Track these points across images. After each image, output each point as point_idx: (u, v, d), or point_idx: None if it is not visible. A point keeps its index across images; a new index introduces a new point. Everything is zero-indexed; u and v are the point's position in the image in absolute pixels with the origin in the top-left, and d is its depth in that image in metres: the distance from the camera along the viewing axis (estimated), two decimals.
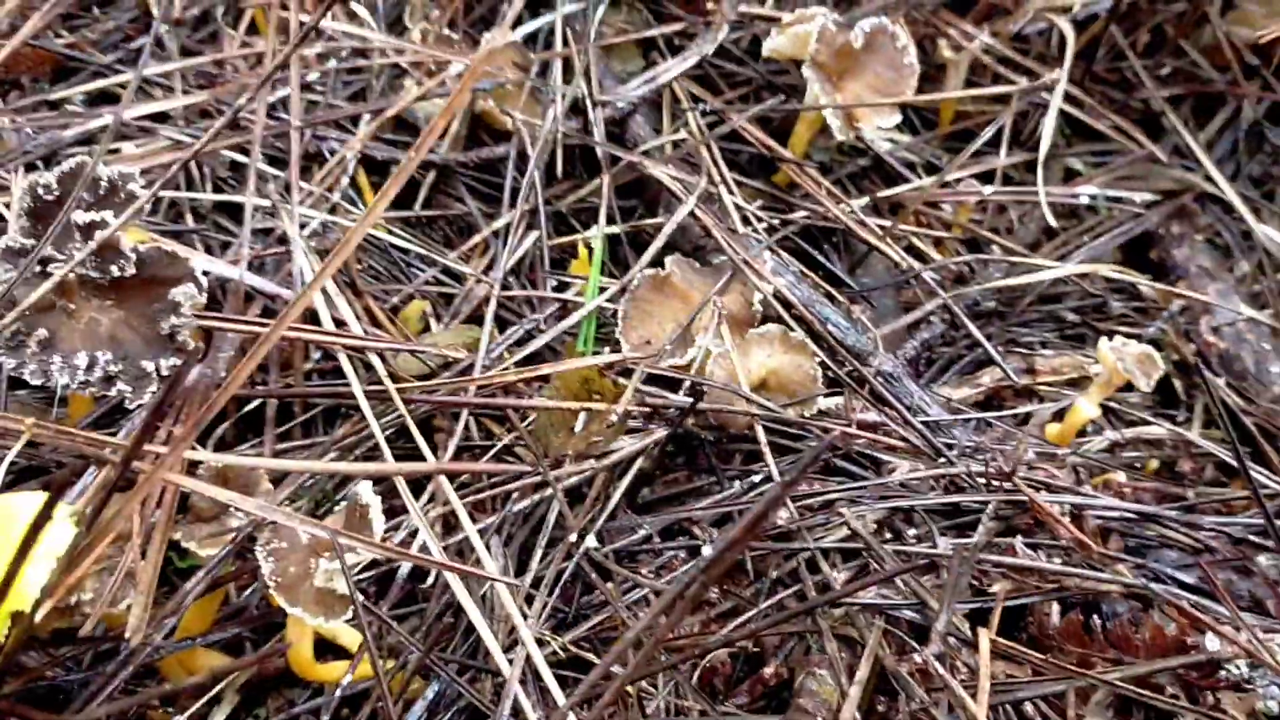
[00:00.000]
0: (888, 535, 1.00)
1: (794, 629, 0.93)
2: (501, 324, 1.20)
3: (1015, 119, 1.45)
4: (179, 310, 0.90)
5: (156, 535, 0.81)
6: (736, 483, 1.08)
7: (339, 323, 1.10)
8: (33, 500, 0.77)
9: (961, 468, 1.03)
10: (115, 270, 0.89)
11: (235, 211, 1.21)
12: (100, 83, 1.30)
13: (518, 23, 1.41)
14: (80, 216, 0.89)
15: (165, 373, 0.90)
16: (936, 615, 0.88)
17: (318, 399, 1.10)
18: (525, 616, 0.96)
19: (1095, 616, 0.95)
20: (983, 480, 1.02)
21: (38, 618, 0.75)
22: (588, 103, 1.30)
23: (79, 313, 0.91)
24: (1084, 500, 1.04)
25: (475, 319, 1.22)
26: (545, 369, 1.06)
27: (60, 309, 0.91)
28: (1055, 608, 0.95)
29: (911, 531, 0.99)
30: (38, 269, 0.90)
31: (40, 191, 0.91)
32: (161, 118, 1.26)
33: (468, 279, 1.24)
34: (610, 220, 1.30)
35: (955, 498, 1.02)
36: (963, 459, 1.04)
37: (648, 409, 1.08)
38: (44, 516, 0.63)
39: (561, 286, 1.28)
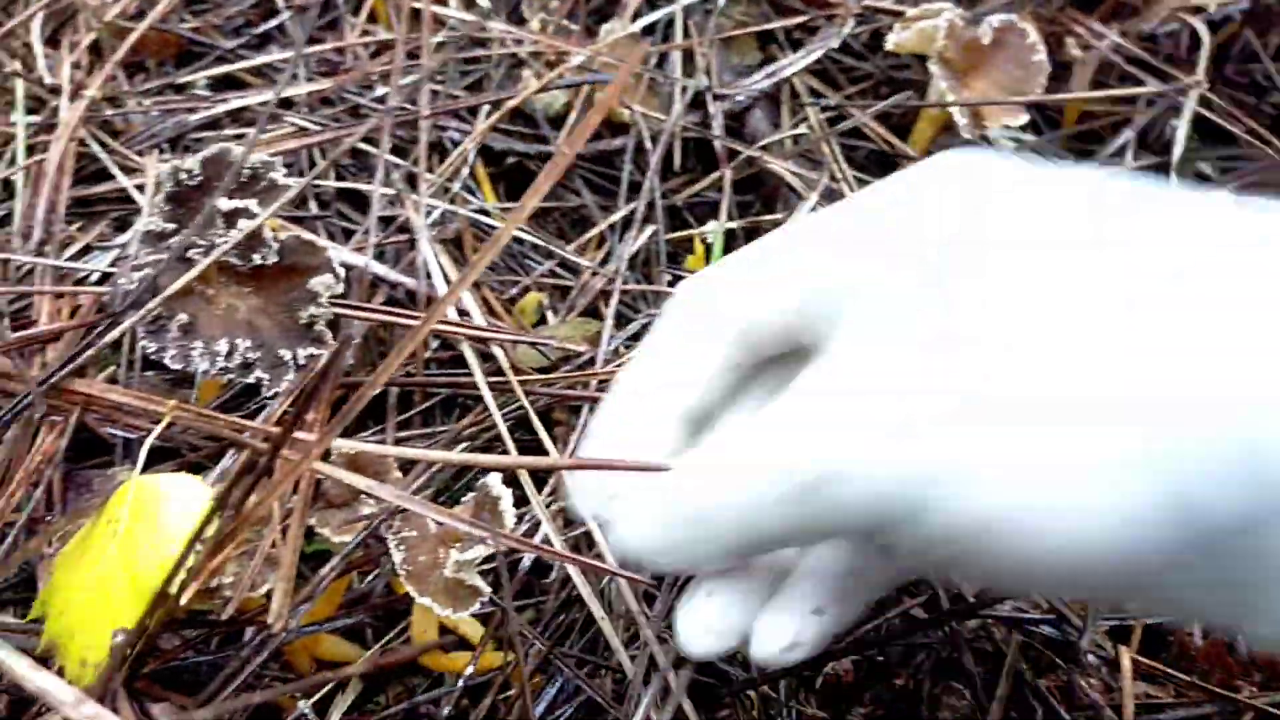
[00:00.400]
0: None
1: (925, 640, 0.90)
2: (618, 318, 1.19)
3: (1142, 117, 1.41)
4: (317, 300, 0.90)
5: (295, 520, 0.81)
6: None
7: (461, 313, 1.10)
8: (179, 482, 0.78)
9: None
10: (258, 259, 0.90)
11: (356, 199, 1.22)
12: (224, 68, 1.31)
13: (636, 15, 1.40)
14: (225, 203, 0.89)
15: (302, 361, 0.90)
16: (1078, 632, 0.86)
17: (438, 389, 1.10)
18: (647, 616, 0.95)
19: (1240, 638, 0.92)
20: None
21: (182, 601, 0.75)
22: (707, 96, 1.28)
23: (216, 298, 0.92)
24: None
25: (591, 312, 1.21)
26: None
27: (199, 294, 0.91)
28: (1198, 628, 0.92)
29: None
30: (181, 253, 0.91)
31: (183, 176, 0.91)
32: (285, 104, 1.26)
33: (583, 272, 1.23)
34: (728, 216, 1.29)
35: None
36: None
37: None
38: (212, 508, 0.63)
39: (676, 281, 1.27)
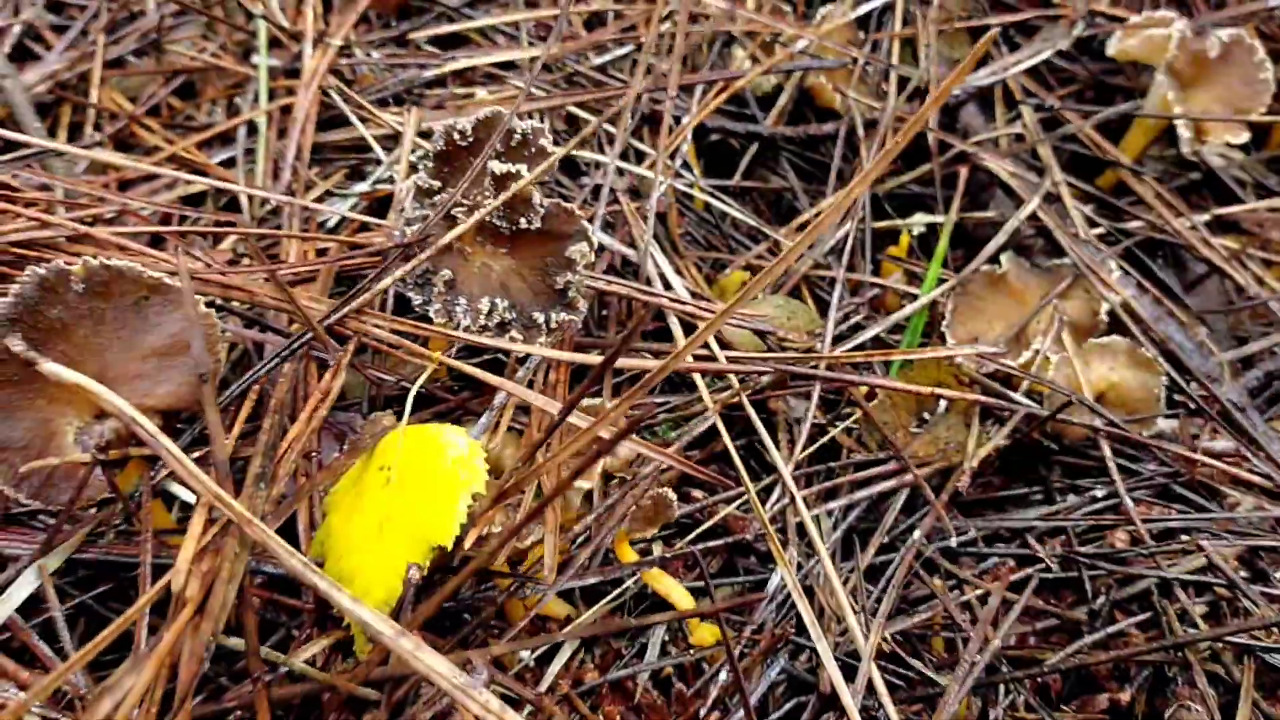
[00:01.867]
0: (1246, 573, 0.97)
1: (1151, 658, 0.91)
2: (819, 303, 1.20)
3: None
4: (574, 267, 0.92)
5: (558, 475, 0.84)
6: (1071, 496, 1.06)
7: (666, 285, 1.11)
8: (453, 434, 0.80)
9: None
10: (524, 223, 0.92)
11: (572, 167, 1.23)
12: (447, 26, 1.33)
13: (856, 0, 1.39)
14: (497, 166, 0.91)
15: (554, 325, 0.92)
16: None
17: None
18: (855, 610, 0.96)
19: None
20: None
21: (465, 547, 0.78)
22: (930, 87, 1.27)
23: (473, 257, 0.94)
24: None
25: (794, 294, 1.22)
26: (896, 355, 1.05)
27: (458, 251, 0.94)
28: None
29: (1278, 573, 0.96)
30: (448, 209, 0.93)
31: (455, 136, 0.93)
32: (508, 65, 1.28)
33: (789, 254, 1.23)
34: (931, 211, 1.28)
35: None
36: None
37: (987, 407, 1.07)
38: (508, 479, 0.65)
39: (878, 269, 1.28)
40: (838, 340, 1.16)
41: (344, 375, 0.87)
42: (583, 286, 0.94)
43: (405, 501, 0.76)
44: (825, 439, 1.08)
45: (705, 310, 1.06)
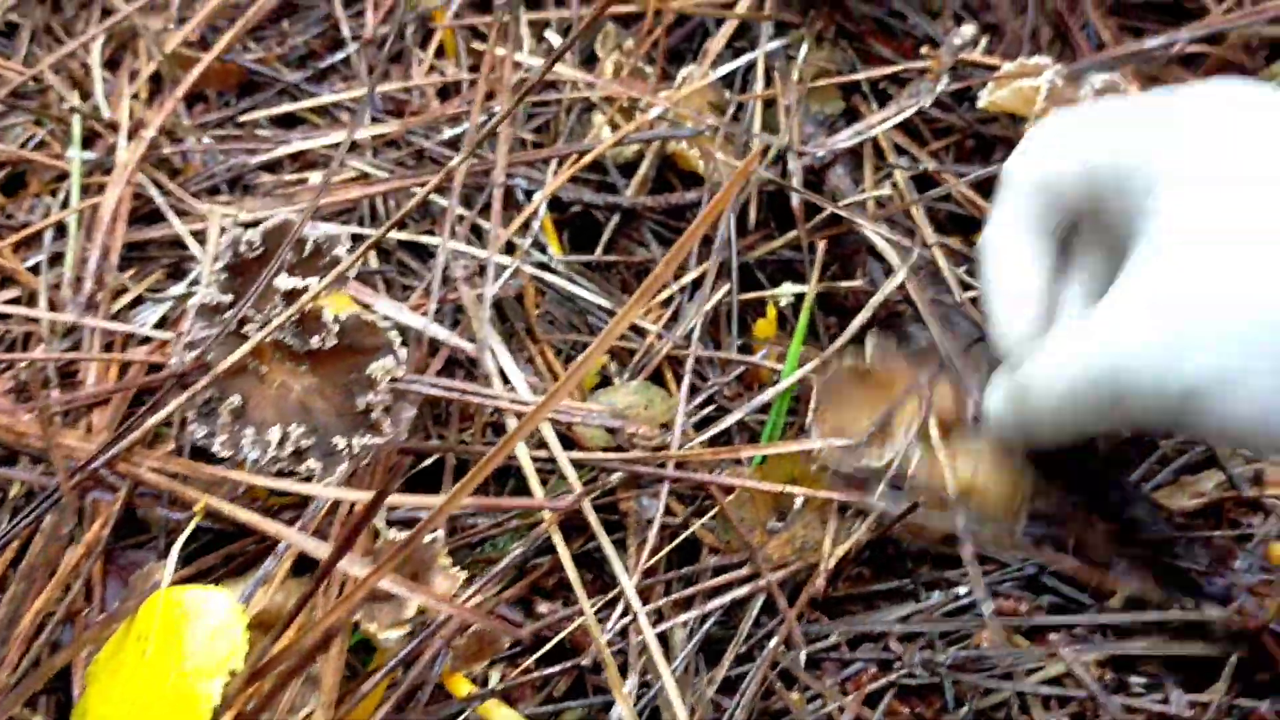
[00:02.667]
0: (1108, 678, 0.91)
1: None
2: (681, 383, 1.14)
3: None
4: (375, 387, 0.86)
5: (340, 638, 0.77)
6: (936, 593, 1.00)
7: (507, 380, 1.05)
8: (207, 599, 0.73)
9: (1199, 613, 0.93)
10: (315, 342, 0.85)
11: (419, 249, 1.17)
12: (287, 105, 1.26)
13: (716, 60, 1.33)
14: (284, 282, 0.85)
15: (356, 451, 0.85)
16: None
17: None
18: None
19: None
20: (1223, 627, 0.92)
21: None
22: (788, 154, 1.21)
23: (271, 375, 0.88)
24: None
25: (656, 377, 1.16)
26: (746, 450, 0.98)
27: (252, 371, 0.87)
28: None
29: (1137, 680, 0.90)
30: (234, 328, 0.86)
31: (243, 248, 0.87)
32: (350, 147, 1.22)
33: (648, 333, 1.17)
34: (802, 278, 1.22)
35: (1187, 647, 0.92)
36: (1202, 600, 0.94)
37: (844, 505, 1.01)
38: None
39: (745, 348, 1.21)
40: (700, 426, 1.10)
41: (110, 526, 0.80)
42: (388, 406, 0.88)
43: (158, 680, 0.69)
44: (681, 539, 1.02)
45: (560, 414, 1.00)
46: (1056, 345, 0.82)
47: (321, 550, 0.74)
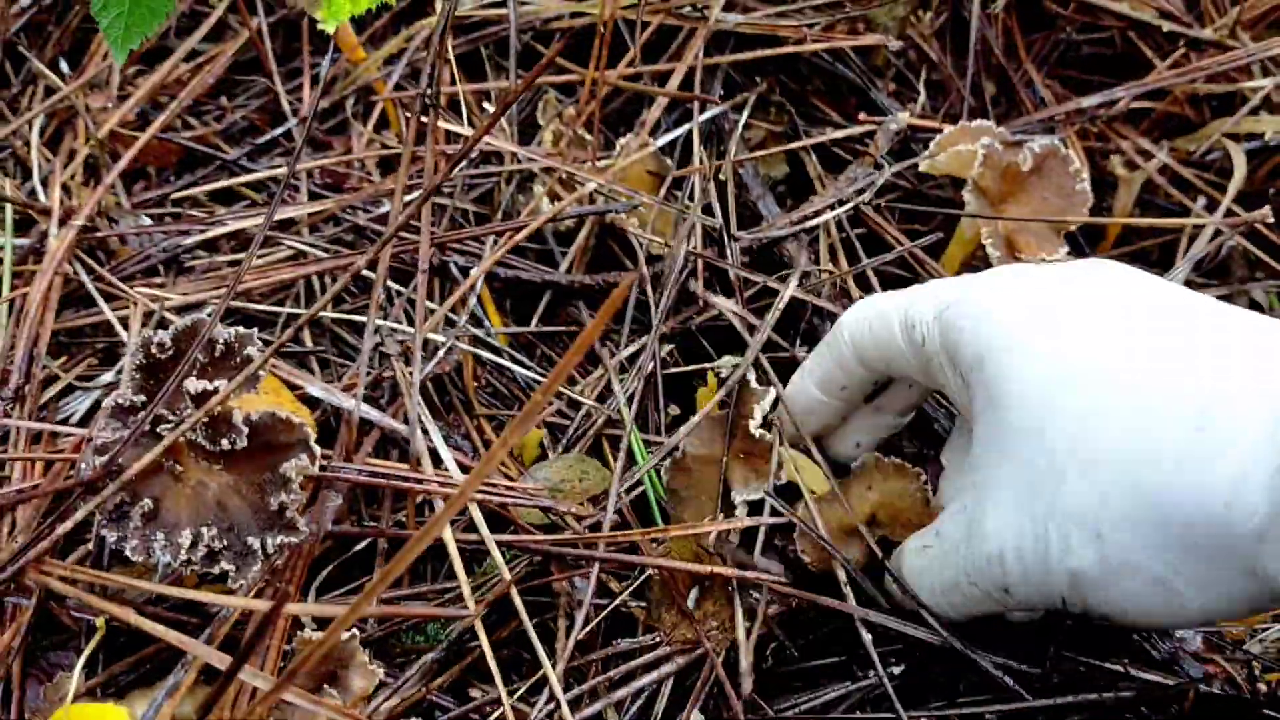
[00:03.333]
0: None
1: None
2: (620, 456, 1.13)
3: (1189, 242, 1.33)
4: (289, 486, 0.85)
5: None
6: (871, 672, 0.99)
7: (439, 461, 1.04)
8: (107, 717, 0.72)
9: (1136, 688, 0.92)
10: (225, 444, 0.85)
11: (355, 327, 1.16)
12: (226, 181, 1.26)
13: (656, 128, 1.33)
14: (192, 385, 0.84)
15: (271, 551, 0.85)
16: None
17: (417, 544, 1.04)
18: None
19: None
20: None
21: None
22: (725, 238, 1.21)
23: (186, 475, 0.87)
24: None
25: (594, 448, 1.15)
26: (655, 532, 0.98)
27: (168, 471, 0.86)
28: None
29: None
30: (147, 429, 0.86)
31: (154, 349, 0.86)
32: (285, 224, 1.21)
33: (583, 406, 1.16)
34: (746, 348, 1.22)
35: None
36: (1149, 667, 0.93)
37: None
38: None
39: (677, 421, 1.20)
40: (638, 500, 1.09)
41: (21, 634, 0.79)
42: (301, 503, 0.87)
43: None
44: (608, 615, 1.01)
45: (487, 489, 0.99)
46: (929, 547, 0.89)
47: (224, 661, 0.73)
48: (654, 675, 0.96)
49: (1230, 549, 0.67)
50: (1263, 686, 1.00)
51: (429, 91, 1.05)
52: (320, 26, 0.85)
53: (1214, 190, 1.31)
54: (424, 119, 1.11)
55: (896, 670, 0.97)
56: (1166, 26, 1.34)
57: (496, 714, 0.92)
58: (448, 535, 0.97)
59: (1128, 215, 1.37)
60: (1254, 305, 1.37)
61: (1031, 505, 0.76)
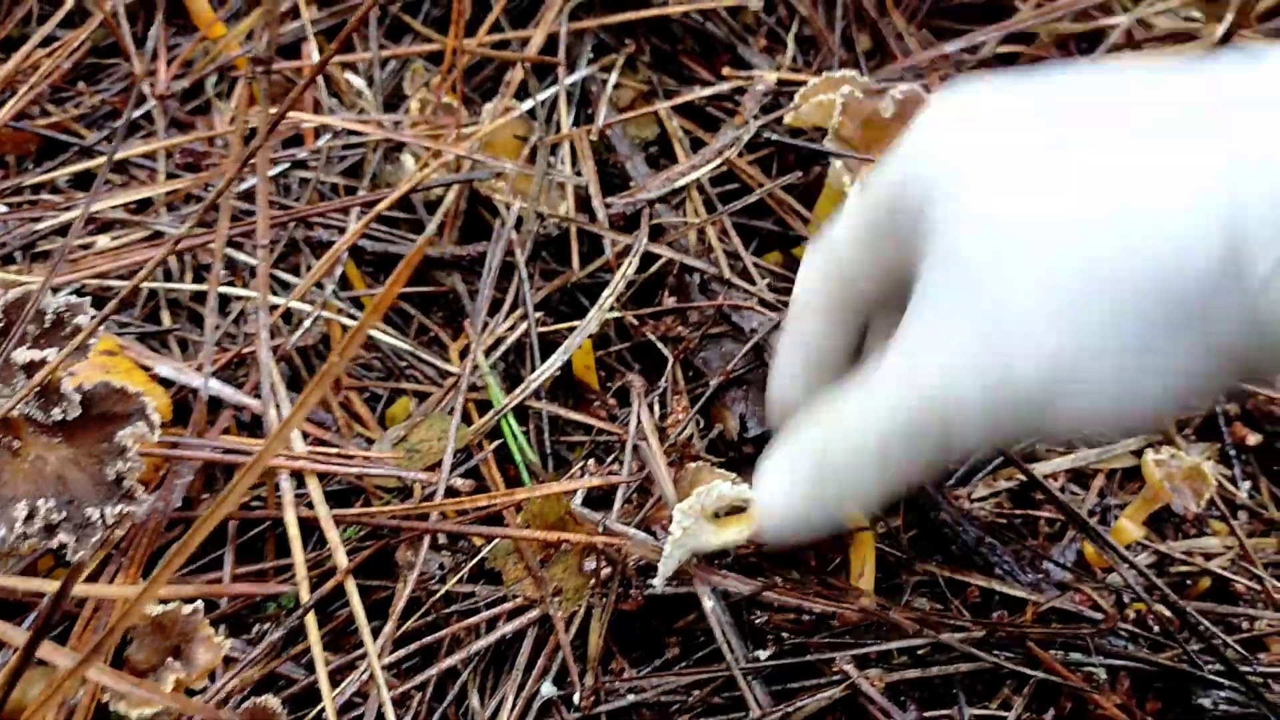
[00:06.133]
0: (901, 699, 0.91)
1: None
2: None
3: None
4: (125, 454, 0.84)
5: None
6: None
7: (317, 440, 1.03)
8: None
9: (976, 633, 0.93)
10: (57, 414, 0.83)
11: (222, 303, 1.15)
12: (86, 163, 1.24)
13: (524, 91, 1.33)
14: (20, 355, 0.83)
15: (110, 521, 0.84)
16: None
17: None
18: None
19: None
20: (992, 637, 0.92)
21: None
22: (593, 201, 1.21)
23: (25, 449, 0.85)
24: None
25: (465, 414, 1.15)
26: (517, 496, 0.97)
27: (5, 446, 0.85)
28: None
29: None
30: None
31: None
32: (145, 205, 1.20)
33: (449, 376, 1.16)
34: (613, 305, 1.21)
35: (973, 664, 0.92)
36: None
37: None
38: None
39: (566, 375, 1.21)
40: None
41: None
42: (140, 471, 0.86)
43: None
44: (445, 589, 0.99)
45: (322, 459, 0.98)
46: (854, 394, 0.71)
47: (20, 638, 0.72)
48: (492, 637, 0.94)
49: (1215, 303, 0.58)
50: (1130, 614, 1.02)
51: (264, 59, 1.04)
52: None
53: None
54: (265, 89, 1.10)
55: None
56: None
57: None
58: (289, 516, 0.96)
59: None
60: None
61: (980, 326, 0.63)
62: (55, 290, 1.09)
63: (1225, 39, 1.26)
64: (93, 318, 0.85)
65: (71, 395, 0.83)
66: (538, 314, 1.19)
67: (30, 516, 0.82)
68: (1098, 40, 1.40)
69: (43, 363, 0.83)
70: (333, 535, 0.94)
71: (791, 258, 1.32)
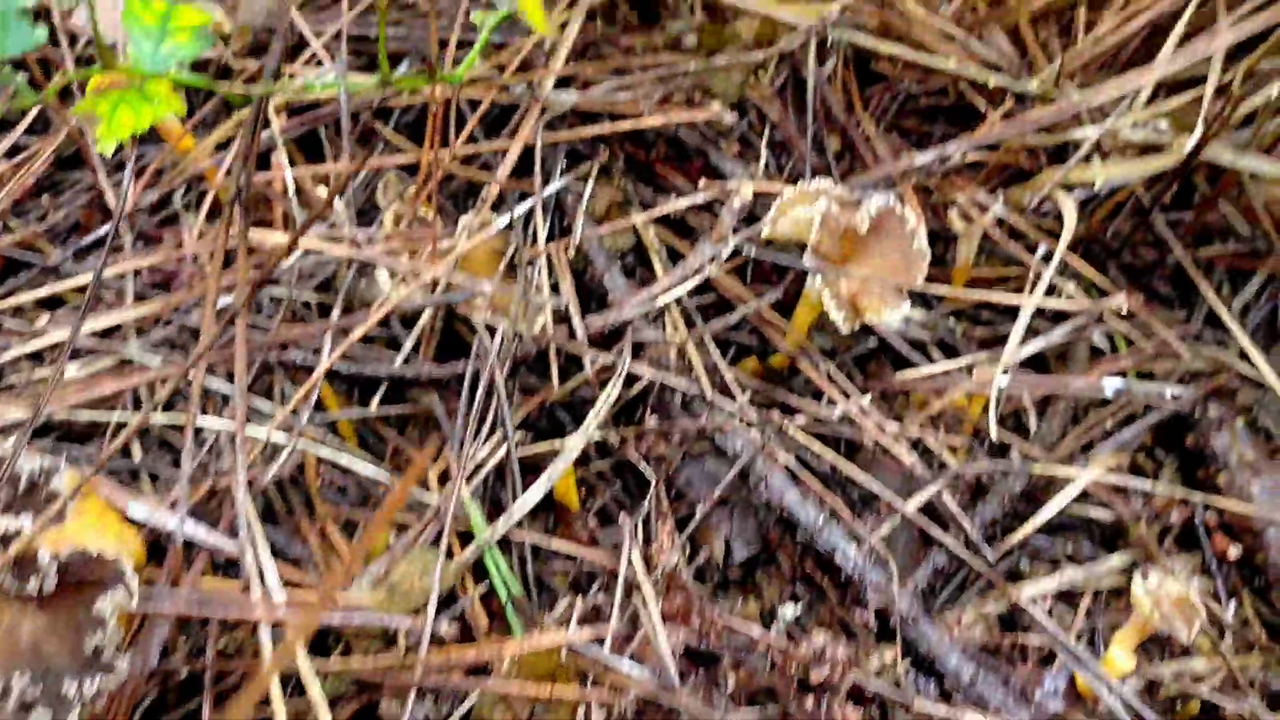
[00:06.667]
0: None
1: None
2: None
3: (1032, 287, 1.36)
4: (104, 625, 0.81)
5: None
6: None
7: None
8: None
9: None
10: (32, 585, 0.80)
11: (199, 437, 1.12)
12: (50, 286, 1.20)
13: (500, 200, 1.32)
14: None
15: (88, 697, 0.80)
16: None
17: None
18: None
19: None
20: None
21: None
22: (571, 316, 1.20)
23: (0, 617, 0.82)
24: None
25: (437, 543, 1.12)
26: (510, 646, 0.95)
27: None
28: None
29: None
30: None
31: None
32: (112, 330, 1.17)
33: (429, 503, 1.14)
34: (599, 425, 1.20)
35: None
36: None
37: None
38: None
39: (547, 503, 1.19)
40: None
41: None
42: (119, 641, 0.83)
43: None
44: None
45: (302, 609, 0.96)
46: None
47: None
48: None
49: None
50: None
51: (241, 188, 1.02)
52: (97, 149, 0.81)
53: (1051, 239, 1.34)
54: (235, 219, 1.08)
55: None
56: (993, 81, 1.37)
57: None
58: (270, 669, 0.93)
59: (970, 265, 1.39)
60: (1095, 351, 1.40)
61: None
62: (21, 427, 1.06)
63: (1195, 151, 1.28)
64: (77, 474, 0.82)
65: (48, 567, 0.80)
66: (518, 434, 1.18)
67: (4, 694, 0.78)
68: (1064, 146, 1.42)
69: (18, 533, 0.80)
70: (314, 691, 0.91)
71: (769, 367, 1.32)
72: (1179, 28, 1.29)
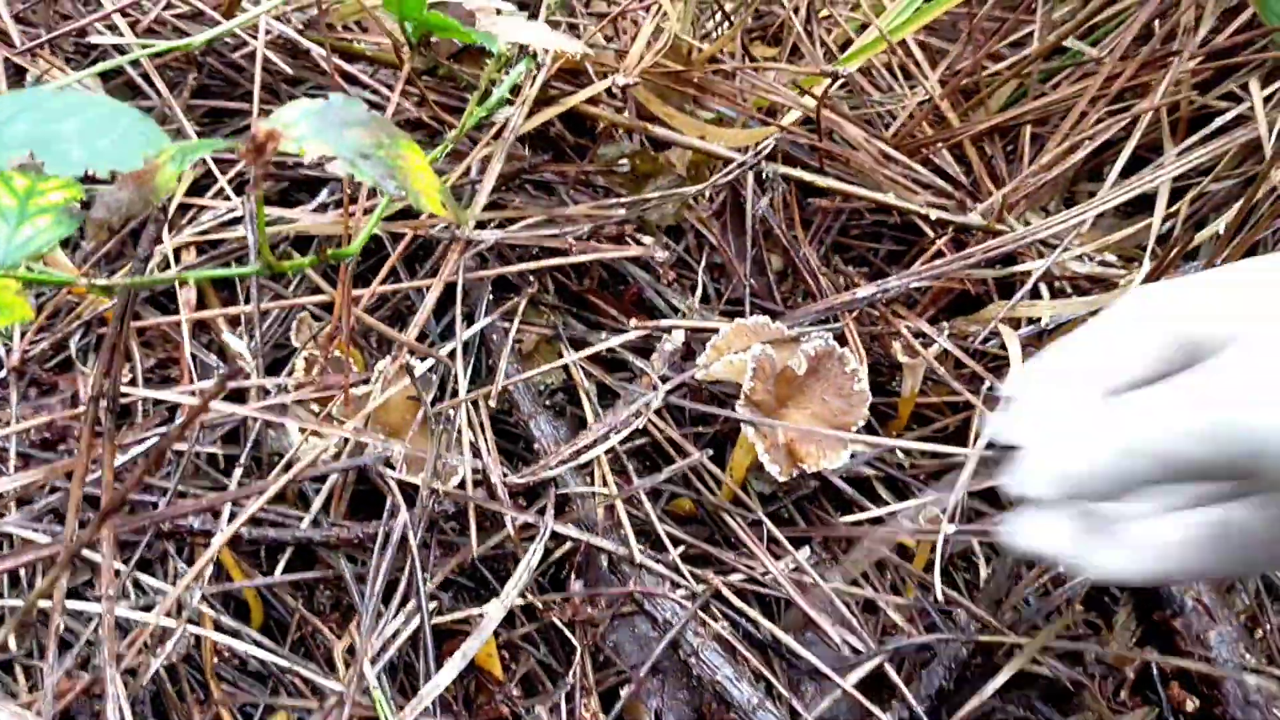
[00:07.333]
0: None
1: None
2: None
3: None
4: None
5: None
6: None
7: None
8: None
9: None
10: None
11: (82, 618, 1.04)
12: None
13: (423, 338, 1.25)
14: None
15: None
16: None
17: None
18: None
19: None
20: None
21: None
22: (493, 479, 1.13)
23: None
24: None
25: None
26: None
27: None
28: None
29: None
30: None
31: None
32: None
33: (331, 693, 1.05)
34: (521, 592, 1.13)
35: None
36: None
37: None
38: None
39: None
40: None
41: None
42: None
43: None
44: None
45: None
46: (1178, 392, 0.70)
47: None
48: None
49: None
50: None
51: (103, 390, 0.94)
52: None
53: (996, 375, 1.29)
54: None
55: None
56: (934, 214, 1.32)
57: None
58: None
59: (915, 395, 1.34)
60: None
61: None
62: None
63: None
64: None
65: None
66: (434, 601, 1.11)
67: None
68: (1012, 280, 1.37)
69: None
70: None
71: (701, 506, 1.26)
72: (1121, 160, 1.25)
